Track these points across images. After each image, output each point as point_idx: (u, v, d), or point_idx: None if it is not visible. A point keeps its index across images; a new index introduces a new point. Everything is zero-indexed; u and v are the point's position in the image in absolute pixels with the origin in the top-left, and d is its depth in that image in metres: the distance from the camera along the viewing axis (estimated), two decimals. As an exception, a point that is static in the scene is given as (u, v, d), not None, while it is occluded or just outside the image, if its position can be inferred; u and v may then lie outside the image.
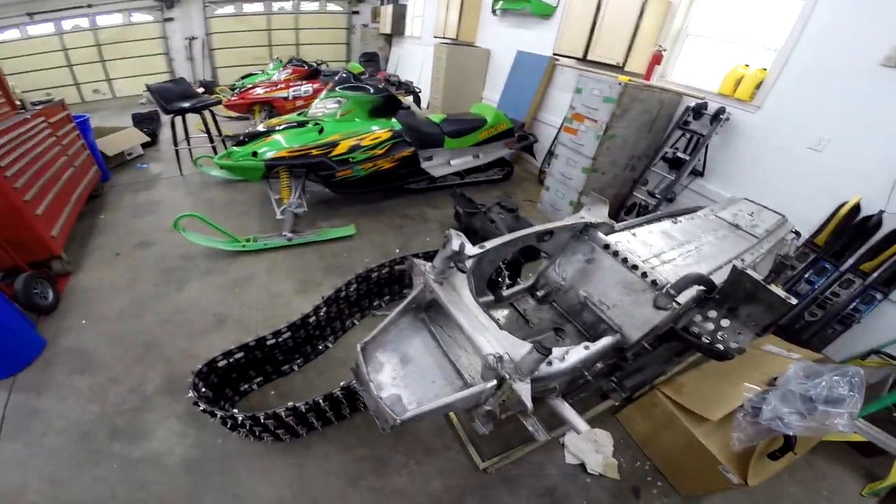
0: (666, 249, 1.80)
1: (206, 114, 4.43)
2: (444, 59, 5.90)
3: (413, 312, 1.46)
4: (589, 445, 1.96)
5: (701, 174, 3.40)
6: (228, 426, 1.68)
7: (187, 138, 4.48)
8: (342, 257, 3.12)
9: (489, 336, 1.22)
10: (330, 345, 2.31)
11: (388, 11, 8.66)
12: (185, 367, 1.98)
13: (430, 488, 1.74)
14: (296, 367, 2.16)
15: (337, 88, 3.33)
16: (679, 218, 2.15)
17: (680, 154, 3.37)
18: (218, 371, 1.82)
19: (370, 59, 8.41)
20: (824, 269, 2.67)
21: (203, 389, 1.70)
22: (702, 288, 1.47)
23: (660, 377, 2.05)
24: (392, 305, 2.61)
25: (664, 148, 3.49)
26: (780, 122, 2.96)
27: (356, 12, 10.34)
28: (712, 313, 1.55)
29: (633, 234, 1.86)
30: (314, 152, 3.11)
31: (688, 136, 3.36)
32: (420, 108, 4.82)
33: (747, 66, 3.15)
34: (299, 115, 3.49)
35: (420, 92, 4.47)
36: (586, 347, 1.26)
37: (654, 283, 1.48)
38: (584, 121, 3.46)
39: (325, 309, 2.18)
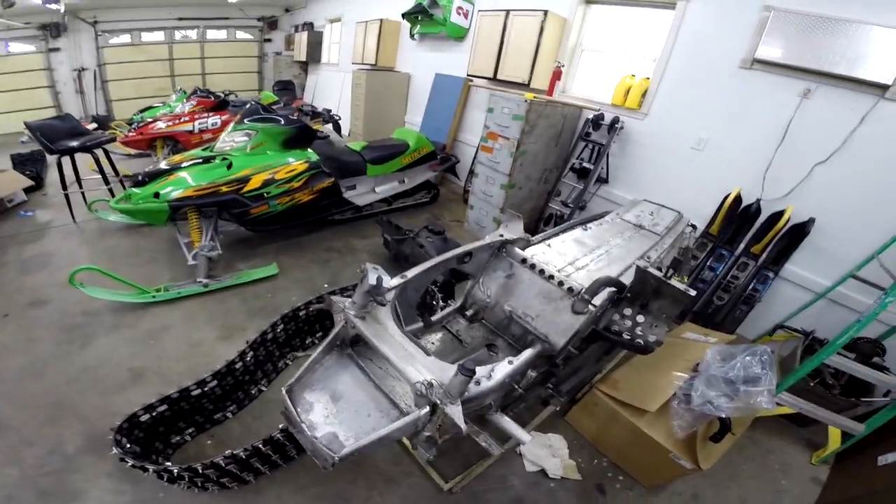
0: (579, 256, 1.91)
1: (100, 152, 4.01)
2: (364, 86, 5.86)
3: (338, 349, 1.42)
4: (545, 451, 1.97)
5: (606, 181, 3.68)
6: (165, 479, 1.56)
7: (78, 181, 4.01)
8: (266, 298, 2.94)
9: (417, 364, 1.21)
10: (264, 388, 2.18)
11: (303, 38, 8.52)
12: (104, 424, 1.78)
13: (398, 517, 1.67)
14: (230, 415, 2.02)
15: (245, 120, 3.18)
16: (589, 225, 2.30)
17: (585, 164, 3.61)
18: (141, 425, 1.69)
19: (285, 87, 8.19)
20: (722, 256, 2.98)
21: (128, 445, 1.58)
22: (613, 289, 1.57)
23: (596, 376, 2.14)
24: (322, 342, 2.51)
25: (571, 159, 3.73)
26: (665, 126, 3.29)
27: (269, 40, 10.09)
28: (628, 311, 1.65)
29: (549, 245, 1.95)
30: (224, 189, 2.91)
31: (591, 146, 3.61)
32: (341, 135, 4.77)
33: (633, 76, 3.46)
34: (204, 149, 3.27)
35: (340, 119, 4.41)
36: (510, 362, 1.29)
37: (570, 290, 1.56)
38: (497, 139, 3.58)
39: (251, 353, 2.06)
